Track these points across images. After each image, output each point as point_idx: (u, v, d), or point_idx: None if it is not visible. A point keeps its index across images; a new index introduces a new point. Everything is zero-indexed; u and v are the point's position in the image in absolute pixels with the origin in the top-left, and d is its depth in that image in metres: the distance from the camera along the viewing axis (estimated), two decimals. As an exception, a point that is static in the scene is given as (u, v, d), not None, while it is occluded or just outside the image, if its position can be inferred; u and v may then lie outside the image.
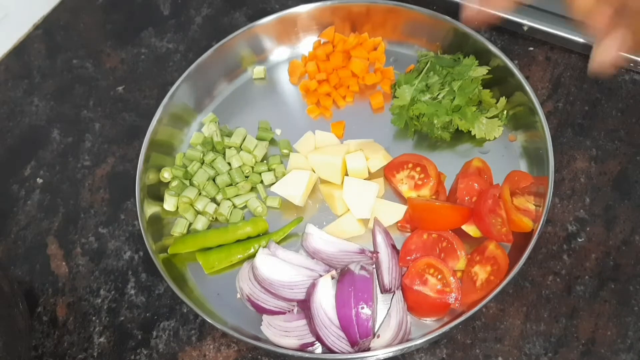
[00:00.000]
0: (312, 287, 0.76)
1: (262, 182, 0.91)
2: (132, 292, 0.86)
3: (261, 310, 0.79)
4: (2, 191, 0.97)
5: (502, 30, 1.00)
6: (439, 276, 0.77)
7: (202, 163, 0.92)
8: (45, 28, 1.14)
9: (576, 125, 0.91)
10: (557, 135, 0.90)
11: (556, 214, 0.84)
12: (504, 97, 0.89)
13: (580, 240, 0.82)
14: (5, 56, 1.12)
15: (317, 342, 0.76)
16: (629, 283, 0.79)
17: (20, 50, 1.12)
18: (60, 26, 1.14)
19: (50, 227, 0.93)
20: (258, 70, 1.01)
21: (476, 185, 0.82)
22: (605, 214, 0.84)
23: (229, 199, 0.89)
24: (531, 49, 0.98)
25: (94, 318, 0.85)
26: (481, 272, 0.77)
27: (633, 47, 0.59)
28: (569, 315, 0.78)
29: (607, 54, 0.60)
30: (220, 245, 0.85)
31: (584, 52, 0.95)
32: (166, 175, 0.90)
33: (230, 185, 0.90)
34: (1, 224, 0.94)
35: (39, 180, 0.97)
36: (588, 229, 0.83)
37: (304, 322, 0.77)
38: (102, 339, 0.83)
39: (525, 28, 0.97)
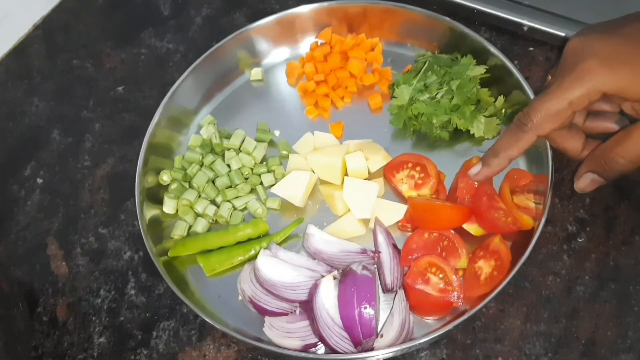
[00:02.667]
0: (314, 288, 0.76)
1: (261, 183, 0.91)
2: (132, 292, 0.86)
3: (263, 312, 0.79)
4: (2, 191, 0.97)
5: (502, 31, 1.00)
6: (441, 275, 0.77)
7: (201, 165, 0.92)
8: (45, 28, 1.14)
9: (576, 125, 0.91)
10: (557, 135, 0.90)
11: (556, 214, 0.84)
12: (502, 96, 0.90)
13: (580, 240, 0.82)
14: (5, 56, 1.12)
15: (319, 342, 0.76)
16: (629, 283, 0.79)
17: (20, 50, 1.12)
18: (60, 26, 1.14)
19: (50, 228, 0.93)
20: (255, 72, 1.01)
21: (476, 184, 0.82)
22: (605, 214, 0.84)
23: (228, 200, 0.89)
24: (531, 49, 0.98)
25: (94, 318, 0.85)
26: (485, 267, 0.78)
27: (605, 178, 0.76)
28: (569, 316, 0.78)
29: (584, 187, 0.78)
30: (220, 248, 0.85)
31: (584, 52, 0.95)
32: (165, 178, 0.90)
33: (230, 187, 0.90)
34: (1, 224, 0.94)
35: (39, 181, 0.97)
36: (588, 229, 0.83)
37: (306, 323, 0.77)
38: (102, 339, 0.83)
39: (525, 28, 0.97)
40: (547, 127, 0.71)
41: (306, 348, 0.76)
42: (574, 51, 0.69)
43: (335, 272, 0.78)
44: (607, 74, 0.66)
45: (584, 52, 0.67)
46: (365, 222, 0.86)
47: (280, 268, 0.78)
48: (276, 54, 1.02)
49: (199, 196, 0.89)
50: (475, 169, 0.79)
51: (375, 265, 0.80)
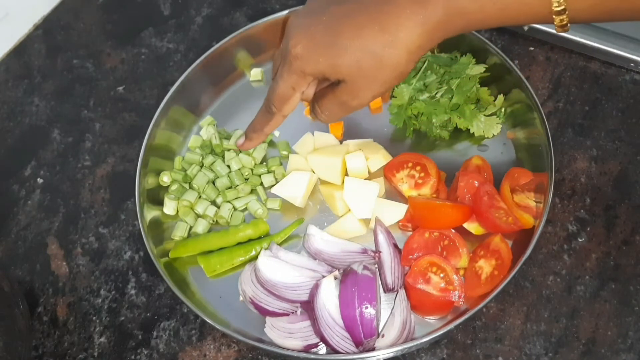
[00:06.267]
0: (315, 288, 0.76)
1: (262, 184, 0.91)
2: (133, 292, 0.86)
3: (264, 312, 0.79)
4: (2, 191, 0.97)
5: (502, 30, 1.00)
6: (442, 274, 0.77)
7: (202, 166, 0.92)
8: (45, 28, 1.14)
9: (576, 125, 0.91)
10: (557, 135, 0.90)
11: (556, 214, 0.84)
12: (501, 95, 0.90)
13: (580, 240, 0.82)
14: (5, 56, 1.11)
15: (321, 343, 0.76)
16: (630, 283, 0.79)
17: (20, 50, 1.12)
18: (60, 26, 1.14)
19: (51, 227, 0.93)
20: (255, 73, 1.00)
21: (476, 183, 0.82)
22: (605, 214, 0.84)
23: (229, 201, 0.89)
24: (531, 49, 0.98)
25: (94, 318, 0.85)
26: (486, 266, 0.78)
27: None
28: (570, 315, 0.78)
29: (312, 118, 0.80)
30: (221, 248, 0.85)
31: (584, 52, 0.95)
32: (165, 179, 0.90)
33: (230, 187, 0.90)
34: (1, 224, 0.94)
35: (39, 180, 0.97)
36: (588, 229, 0.83)
37: (307, 323, 0.77)
38: (102, 339, 0.83)
39: (526, 28, 0.97)
40: (289, 108, 0.77)
41: (307, 348, 0.76)
42: (288, 35, 0.72)
43: (336, 272, 0.78)
44: (309, 60, 0.70)
45: (292, 38, 0.71)
46: (366, 222, 0.86)
47: (281, 268, 0.78)
48: (276, 54, 1.02)
49: (199, 197, 0.89)
50: (240, 141, 0.86)
51: (376, 265, 0.80)
